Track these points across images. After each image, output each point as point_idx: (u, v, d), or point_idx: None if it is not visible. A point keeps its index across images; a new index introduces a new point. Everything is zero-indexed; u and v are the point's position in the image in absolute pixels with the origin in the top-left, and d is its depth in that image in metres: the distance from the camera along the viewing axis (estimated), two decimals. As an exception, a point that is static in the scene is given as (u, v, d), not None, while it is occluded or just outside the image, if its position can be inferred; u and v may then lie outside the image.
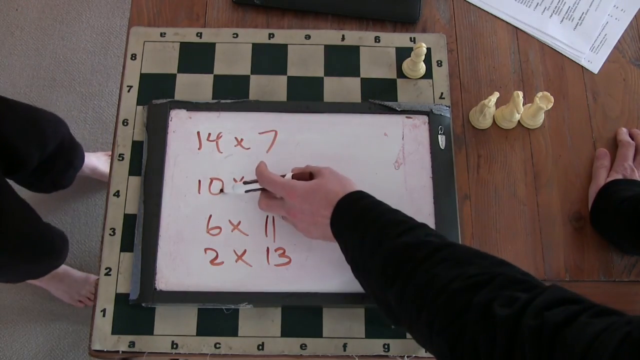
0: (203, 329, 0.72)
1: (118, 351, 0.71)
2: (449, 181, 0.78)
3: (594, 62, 0.87)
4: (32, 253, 1.08)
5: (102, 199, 1.53)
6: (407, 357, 0.71)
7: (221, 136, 0.79)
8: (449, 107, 0.81)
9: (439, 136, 0.79)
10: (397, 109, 0.80)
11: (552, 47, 0.87)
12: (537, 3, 0.90)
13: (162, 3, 0.87)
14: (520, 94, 0.77)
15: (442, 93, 0.83)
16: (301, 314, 0.73)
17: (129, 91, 0.82)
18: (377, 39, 0.85)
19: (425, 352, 0.71)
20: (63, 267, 1.36)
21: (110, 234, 0.75)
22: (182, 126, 0.79)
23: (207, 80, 0.82)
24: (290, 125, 0.79)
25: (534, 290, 0.48)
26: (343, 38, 0.85)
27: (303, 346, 0.71)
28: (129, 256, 0.74)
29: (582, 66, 0.87)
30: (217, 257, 0.74)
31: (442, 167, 0.78)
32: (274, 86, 0.82)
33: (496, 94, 0.78)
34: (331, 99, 0.82)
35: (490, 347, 0.46)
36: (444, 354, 0.50)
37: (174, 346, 0.71)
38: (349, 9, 0.87)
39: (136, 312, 0.72)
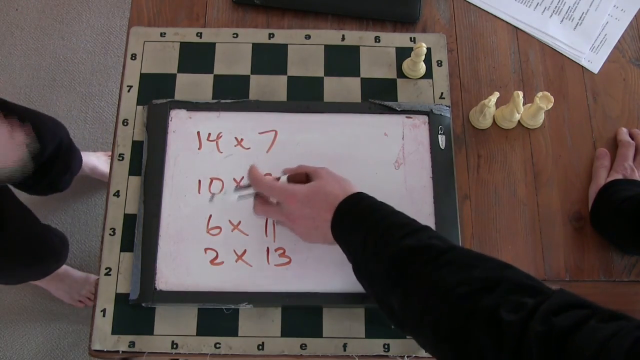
0: (203, 329, 0.72)
1: (118, 351, 0.71)
2: (449, 181, 0.78)
3: (594, 62, 0.87)
4: (31, 256, 1.08)
5: (102, 199, 1.53)
6: (407, 357, 0.71)
7: (221, 136, 0.79)
8: (449, 107, 0.81)
9: (439, 136, 0.79)
10: (397, 109, 0.80)
11: (552, 47, 0.87)
12: (537, 3, 0.90)
13: (162, 3, 0.87)
14: (520, 94, 0.77)
15: (442, 93, 0.83)
16: (301, 314, 0.73)
17: (129, 91, 0.82)
18: (377, 39, 0.85)
19: (426, 352, 0.71)
20: (63, 267, 1.36)
21: (110, 234, 0.75)
22: (182, 126, 0.79)
23: (207, 80, 0.82)
24: (290, 125, 0.79)
25: (540, 294, 0.48)
26: (343, 38, 0.85)
27: (303, 346, 0.71)
28: (129, 256, 0.74)
29: (582, 66, 0.87)
30: (217, 257, 0.74)
31: (442, 167, 0.78)
32: (274, 86, 0.82)
33: (496, 94, 0.78)
34: (331, 99, 0.82)
35: (497, 354, 0.45)
36: None
37: (174, 346, 0.71)
38: (349, 9, 0.87)
39: (136, 312, 0.72)
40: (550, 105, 0.77)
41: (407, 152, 0.79)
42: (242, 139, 0.79)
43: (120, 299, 0.72)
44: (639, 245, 0.73)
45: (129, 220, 0.75)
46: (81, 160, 1.34)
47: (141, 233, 0.74)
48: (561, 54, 0.87)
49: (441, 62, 0.85)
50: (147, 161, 0.77)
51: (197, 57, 0.83)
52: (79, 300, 1.39)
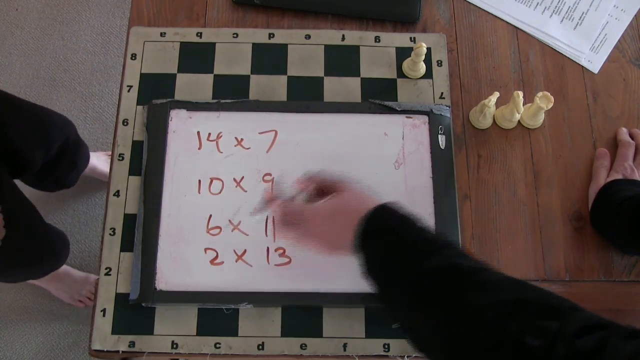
0: (203, 329, 0.72)
1: (118, 351, 0.71)
2: (449, 181, 0.78)
3: (594, 62, 0.87)
4: (31, 255, 1.08)
5: (102, 199, 1.53)
6: (407, 357, 0.71)
7: (221, 136, 0.79)
8: (449, 107, 0.81)
9: (439, 136, 0.79)
10: (397, 108, 0.80)
11: (552, 47, 0.87)
12: (537, 3, 0.90)
13: (162, 3, 0.87)
14: (520, 94, 0.77)
15: (442, 93, 0.83)
16: (301, 314, 0.73)
17: (129, 91, 0.82)
18: (377, 39, 0.85)
19: (425, 352, 0.71)
20: (63, 267, 1.36)
21: (110, 234, 0.75)
22: (182, 126, 0.79)
23: (207, 80, 0.82)
24: (290, 125, 0.79)
25: (563, 316, 0.48)
26: (343, 38, 0.85)
27: (303, 346, 0.71)
28: (129, 256, 0.74)
29: (582, 66, 0.87)
30: (217, 257, 0.74)
31: (442, 167, 0.78)
32: (274, 86, 0.82)
33: (496, 94, 0.78)
34: (331, 99, 0.82)
35: None
36: None
37: (174, 346, 0.71)
38: (349, 9, 0.87)
39: (136, 312, 0.72)
40: (550, 105, 0.77)
41: (407, 152, 0.79)
42: (242, 139, 0.79)
43: (120, 299, 0.72)
44: (638, 245, 0.73)
45: (129, 220, 0.75)
46: (88, 157, 1.34)
47: (141, 233, 0.74)
48: (561, 54, 0.87)
49: (441, 62, 0.85)
50: (147, 161, 0.77)
51: (197, 57, 0.83)
52: (79, 300, 1.39)
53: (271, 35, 0.85)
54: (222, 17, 0.87)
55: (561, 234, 0.78)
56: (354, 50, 0.85)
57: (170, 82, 0.82)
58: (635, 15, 0.90)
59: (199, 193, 0.76)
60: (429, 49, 0.84)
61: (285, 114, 0.80)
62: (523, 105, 0.78)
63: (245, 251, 0.74)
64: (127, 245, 0.74)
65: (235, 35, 0.85)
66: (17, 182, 1.07)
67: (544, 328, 0.47)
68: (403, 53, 0.84)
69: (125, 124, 0.80)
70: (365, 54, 0.84)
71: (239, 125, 0.79)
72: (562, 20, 0.89)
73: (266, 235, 0.75)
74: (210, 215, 0.75)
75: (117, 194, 0.77)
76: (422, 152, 0.79)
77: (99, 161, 1.43)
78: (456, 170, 0.79)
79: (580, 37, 0.88)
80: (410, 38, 0.86)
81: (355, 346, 0.71)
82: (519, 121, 0.82)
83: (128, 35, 0.85)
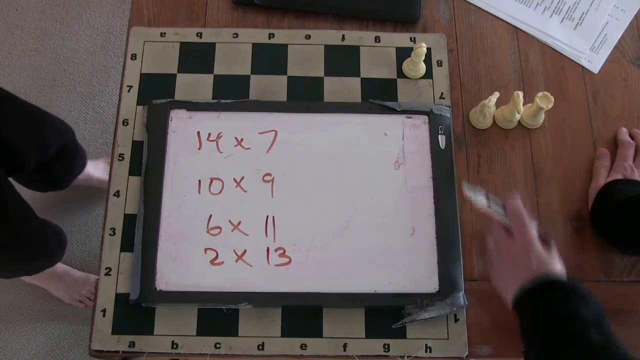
0: (203, 329, 0.72)
1: (118, 351, 0.71)
2: (449, 181, 0.78)
3: (594, 62, 0.87)
4: (22, 251, 1.07)
5: (102, 199, 1.53)
6: (407, 357, 0.71)
7: (221, 136, 0.79)
8: (449, 107, 0.81)
9: (439, 136, 0.79)
10: (397, 109, 0.80)
11: (552, 47, 0.87)
12: (537, 3, 0.90)
13: (162, 3, 0.87)
14: (521, 94, 0.77)
15: (442, 93, 0.83)
16: (301, 314, 0.73)
17: (129, 91, 0.82)
18: (377, 39, 0.85)
19: (425, 351, 0.71)
20: (63, 267, 1.36)
21: (110, 234, 0.75)
22: (182, 126, 0.79)
23: (207, 80, 0.82)
24: (290, 125, 0.79)
25: None
26: (343, 38, 0.85)
27: (303, 346, 0.71)
28: (129, 256, 0.74)
29: (582, 66, 0.87)
30: (217, 257, 0.74)
31: (442, 167, 0.78)
32: (274, 86, 0.82)
33: (496, 94, 0.78)
34: (331, 99, 0.82)
35: None
36: None
37: (174, 346, 0.71)
38: (349, 9, 0.87)
39: (136, 312, 0.72)
40: (550, 105, 0.77)
41: (407, 152, 0.79)
42: (242, 139, 0.79)
43: (120, 299, 0.72)
44: (638, 246, 0.73)
45: (129, 220, 0.75)
46: (84, 164, 1.34)
47: (141, 233, 0.74)
48: (561, 54, 0.87)
49: (441, 62, 0.85)
50: (147, 161, 0.77)
51: (197, 57, 0.83)
52: (79, 300, 1.39)
53: (271, 35, 0.85)
54: (222, 17, 0.87)
55: (561, 234, 0.78)
56: (354, 50, 0.85)
57: (170, 82, 0.82)
58: (635, 15, 0.90)
59: (199, 193, 0.76)
60: (429, 49, 0.84)
61: (285, 114, 0.80)
62: (523, 105, 0.78)
63: (245, 251, 0.74)
64: (127, 245, 0.74)
65: (235, 35, 0.85)
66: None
67: None
68: (403, 53, 0.84)
69: (125, 124, 0.80)
70: (365, 54, 0.84)
71: (239, 125, 0.79)
72: (562, 20, 0.89)
73: (266, 236, 0.75)
74: (210, 215, 0.75)
75: (117, 194, 0.77)
76: (422, 152, 0.79)
77: (95, 170, 1.42)
78: (456, 170, 0.79)
79: (580, 37, 0.88)
80: (410, 38, 0.86)
81: (355, 346, 0.71)
82: (519, 121, 0.82)
83: (128, 35, 0.85)
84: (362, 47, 0.85)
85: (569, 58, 0.87)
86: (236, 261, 0.73)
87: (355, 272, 0.74)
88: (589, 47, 0.88)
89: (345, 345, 0.71)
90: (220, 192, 0.76)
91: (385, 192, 0.77)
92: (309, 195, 0.76)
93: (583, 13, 0.89)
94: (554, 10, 0.89)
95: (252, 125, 0.79)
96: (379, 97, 0.81)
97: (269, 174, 0.77)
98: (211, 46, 0.84)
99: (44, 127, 1.11)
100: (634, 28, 0.89)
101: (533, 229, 0.68)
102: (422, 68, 0.83)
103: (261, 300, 0.72)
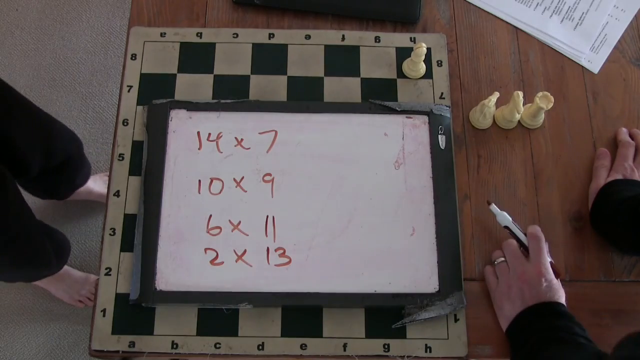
0: (203, 329, 0.72)
1: (118, 351, 0.71)
2: (449, 181, 0.78)
3: (594, 62, 0.87)
4: (20, 255, 1.07)
5: (102, 208, 1.53)
6: (407, 357, 0.71)
7: (221, 136, 0.79)
8: (449, 107, 0.81)
9: (439, 136, 0.79)
10: (397, 109, 0.80)
11: (552, 47, 0.87)
12: (537, 3, 0.90)
13: (162, 3, 0.87)
14: (520, 94, 0.77)
15: (442, 93, 0.83)
16: (301, 314, 0.73)
17: (129, 91, 0.82)
18: (377, 39, 0.85)
19: (425, 352, 0.71)
20: (63, 267, 1.36)
21: (110, 234, 0.75)
22: (182, 126, 0.79)
23: (207, 80, 0.82)
24: (290, 125, 0.79)
25: None
26: (343, 38, 0.85)
27: (303, 346, 0.71)
28: (129, 256, 0.74)
29: (582, 66, 0.87)
30: (217, 257, 0.74)
31: (442, 167, 0.78)
32: (274, 86, 0.82)
33: (496, 94, 0.78)
34: (331, 99, 0.82)
35: None
36: None
37: (174, 346, 0.71)
38: (349, 9, 0.87)
39: (136, 312, 0.72)
40: (550, 105, 0.77)
41: (407, 152, 0.79)
42: (242, 139, 0.79)
43: (120, 299, 0.72)
44: (638, 246, 0.73)
45: (129, 220, 0.75)
46: (88, 176, 1.34)
47: (141, 233, 0.74)
48: (561, 54, 0.87)
49: (441, 62, 0.85)
50: (147, 161, 0.77)
51: (197, 57, 0.83)
52: (79, 300, 1.39)
53: (271, 35, 0.85)
54: (222, 17, 0.87)
55: (561, 234, 0.78)
56: (354, 50, 0.85)
57: (170, 82, 0.82)
58: (635, 15, 0.90)
59: (199, 193, 0.76)
60: (429, 49, 0.84)
61: (285, 114, 0.80)
62: (523, 105, 0.78)
63: (245, 251, 0.74)
64: (127, 245, 0.74)
65: (235, 35, 0.85)
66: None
67: None
68: (403, 53, 0.84)
69: (125, 124, 0.80)
70: (365, 54, 0.84)
71: (239, 125, 0.79)
72: (562, 21, 0.89)
73: (266, 236, 0.75)
74: (210, 215, 0.75)
75: (117, 194, 0.77)
76: (422, 152, 0.79)
77: (95, 184, 1.43)
78: (456, 170, 0.79)
79: (580, 37, 0.88)
80: (410, 38, 0.86)
81: (355, 346, 0.71)
82: (519, 121, 0.82)
83: (128, 35, 0.85)
84: (362, 47, 0.85)
85: (569, 58, 0.87)
86: (236, 261, 0.73)
87: (355, 272, 0.74)
88: (589, 47, 0.88)
89: (345, 345, 0.71)
90: (220, 192, 0.76)
91: (385, 192, 0.77)
92: (309, 195, 0.76)
93: (583, 13, 0.90)
94: (554, 10, 0.89)
95: (252, 125, 0.79)
96: (379, 97, 0.81)
97: (269, 174, 0.77)
98: (211, 46, 0.84)
99: (53, 134, 1.11)
100: (634, 28, 0.89)
101: (547, 257, 0.72)
102: (422, 68, 0.83)
103: (261, 300, 0.72)
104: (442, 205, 0.76)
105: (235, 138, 0.79)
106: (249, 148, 0.78)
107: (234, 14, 0.87)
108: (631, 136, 0.82)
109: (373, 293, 0.73)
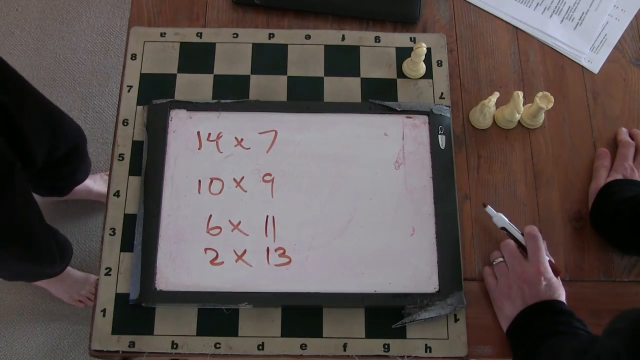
0: (203, 329, 0.72)
1: (118, 351, 0.71)
2: (449, 181, 0.78)
3: (594, 62, 0.87)
4: (26, 250, 1.07)
5: (102, 207, 1.53)
6: (407, 357, 0.71)
7: (221, 136, 0.79)
8: (449, 107, 0.81)
9: (439, 136, 0.79)
10: (397, 109, 0.80)
11: (552, 47, 0.87)
12: (537, 3, 0.90)
13: (162, 3, 0.87)
14: (520, 94, 0.77)
15: (442, 93, 0.83)
16: (301, 314, 0.73)
17: (129, 91, 0.82)
18: (377, 39, 0.85)
19: (425, 352, 0.71)
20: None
21: (110, 234, 0.75)
22: (182, 126, 0.79)
23: (207, 80, 0.82)
24: (290, 125, 0.79)
25: None
26: (343, 38, 0.85)
27: (303, 346, 0.71)
28: (129, 256, 0.74)
29: (582, 66, 0.87)
30: (217, 257, 0.74)
31: (442, 167, 0.78)
32: (274, 86, 0.82)
33: (496, 94, 0.78)
34: (331, 99, 0.82)
35: None
36: None
37: (174, 346, 0.71)
38: (349, 9, 0.87)
39: (136, 312, 0.72)
40: (550, 105, 0.77)
41: (407, 152, 0.79)
42: (242, 139, 0.79)
43: (120, 299, 0.72)
44: (638, 246, 0.73)
45: (129, 220, 0.75)
46: (88, 171, 1.34)
47: (141, 233, 0.74)
48: (561, 54, 0.87)
49: (441, 62, 0.85)
50: (147, 161, 0.77)
51: (197, 57, 0.83)
52: (79, 300, 1.39)
53: (271, 35, 0.85)
54: (222, 17, 0.87)
55: (561, 234, 0.78)
56: (354, 50, 0.85)
57: (170, 82, 0.82)
58: (635, 15, 0.90)
59: (199, 193, 0.76)
60: (429, 49, 0.84)
61: (285, 114, 0.80)
62: (523, 105, 0.78)
63: (245, 251, 0.74)
64: (127, 245, 0.74)
65: (235, 35, 0.85)
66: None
67: None
68: (403, 53, 0.84)
69: (125, 124, 0.80)
70: (365, 54, 0.84)
71: (239, 125, 0.79)
72: (562, 20, 0.89)
73: (266, 236, 0.75)
74: (210, 215, 0.75)
75: (117, 194, 0.77)
76: (422, 152, 0.79)
77: (95, 183, 1.43)
78: (456, 170, 0.79)
79: (580, 37, 0.88)
80: (410, 38, 0.86)
81: (355, 346, 0.71)
82: (519, 121, 0.82)
83: (128, 35, 0.85)
84: (362, 47, 0.85)
85: (569, 58, 0.87)
86: (236, 261, 0.73)
87: (355, 272, 0.74)
88: (589, 47, 0.88)
89: (345, 345, 0.71)
90: (220, 192, 0.76)
91: (385, 192, 0.77)
92: (309, 195, 0.76)
93: (583, 13, 0.89)
94: (554, 10, 0.89)
95: (252, 125, 0.79)
96: (379, 97, 0.81)
97: (269, 174, 0.77)
98: (211, 46, 0.84)
99: (59, 125, 1.11)
100: (634, 28, 0.89)
101: (546, 256, 0.72)
102: (422, 68, 0.83)
103: (261, 300, 0.72)
104: (442, 205, 0.76)
105: (235, 138, 0.79)
106: (249, 148, 0.78)
107: (234, 14, 0.87)
108: (631, 136, 0.82)
109: (373, 293, 0.73)
